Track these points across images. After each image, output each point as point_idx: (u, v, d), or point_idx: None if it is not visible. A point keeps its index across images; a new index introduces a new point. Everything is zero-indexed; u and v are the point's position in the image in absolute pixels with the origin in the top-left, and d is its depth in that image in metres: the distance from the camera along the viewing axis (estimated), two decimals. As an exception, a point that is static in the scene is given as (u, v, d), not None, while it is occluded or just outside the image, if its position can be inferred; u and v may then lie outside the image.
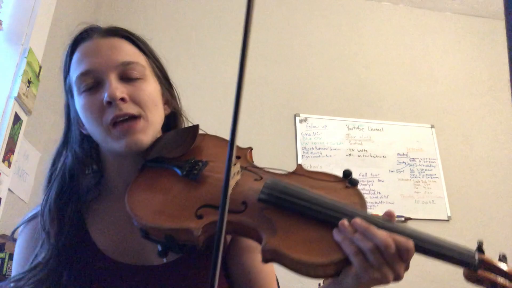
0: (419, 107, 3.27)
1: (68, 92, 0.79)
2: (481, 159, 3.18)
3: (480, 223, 2.96)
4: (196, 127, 0.80)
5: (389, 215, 0.63)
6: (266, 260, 0.59)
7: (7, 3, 1.91)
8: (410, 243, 0.58)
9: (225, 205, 0.46)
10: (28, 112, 1.93)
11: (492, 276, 0.59)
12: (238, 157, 0.77)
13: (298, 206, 0.63)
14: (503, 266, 0.60)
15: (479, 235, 2.89)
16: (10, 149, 1.79)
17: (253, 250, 0.75)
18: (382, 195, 2.92)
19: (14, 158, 1.83)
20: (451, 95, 3.37)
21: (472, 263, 0.59)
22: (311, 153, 2.95)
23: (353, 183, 0.69)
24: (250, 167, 0.74)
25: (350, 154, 3.01)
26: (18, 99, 1.81)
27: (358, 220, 0.59)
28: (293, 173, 0.73)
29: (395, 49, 3.44)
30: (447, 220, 2.92)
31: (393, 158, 3.06)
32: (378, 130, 3.13)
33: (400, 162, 3.06)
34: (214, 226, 0.62)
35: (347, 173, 0.69)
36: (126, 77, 0.74)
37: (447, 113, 3.30)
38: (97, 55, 0.74)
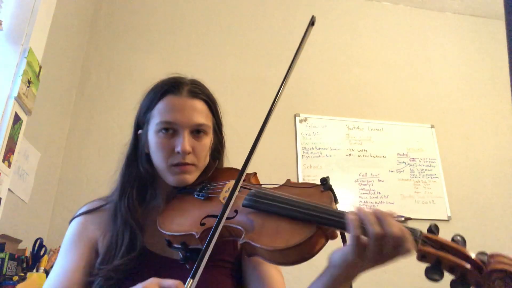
0: (419, 107, 3.27)
1: (146, 121, 1.00)
2: (481, 159, 3.18)
3: (480, 223, 2.96)
4: (214, 165, 1.04)
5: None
6: (247, 254, 0.75)
7: (7, 3, 1.91)
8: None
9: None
10: (28, 112, 1.93)
11: (432, 250, 0.63)
12: (243, 181, 0.92)
13: (271, 207, 0.78)
14: (449, 242, 0.64)
15: (479, 235, 2.90)
16: (10, 149, 1.79)
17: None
18: (382, 195, 2.92)
19: (14, 158, 1.83)
20: (451, 95, 3.37)
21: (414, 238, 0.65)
22: (311, 153, 2.95)
23: (326, 187, 0.81)
24: (249, 185, 0.90)
25: (350, 154, 3.01)
26: (18, 99, 1.81)
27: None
28: (281, 185, 0.89)
29: (395, 49, 3.44)
30: (447, 220, 2.92)
31: (393, 158, 3.06)
32: (378, 130, 3.13)
33: (400, 162, 3.06)
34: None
35: (322, 180, 0.82)
36: (195, 132, 0.97)
37: (447, 113, 3.30)
38: (181, 112, 0.95)
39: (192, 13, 3.17)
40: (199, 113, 0.97)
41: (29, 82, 1.89)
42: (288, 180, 0.90)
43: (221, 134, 1.09)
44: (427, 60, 3.47)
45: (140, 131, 1.02)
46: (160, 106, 0.97)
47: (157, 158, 0.96)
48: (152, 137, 0.97)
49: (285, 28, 3.28)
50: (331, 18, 3.40)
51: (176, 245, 0.83)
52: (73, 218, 1.00)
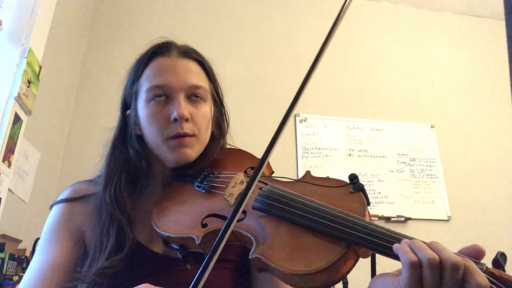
0: (419, 107, 3.27)
1: (133, 95, 0.86)
2: (481, 159, 3.18)
3: (480, 223, 2.97)
4: (218, 144, 0.89)
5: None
6: (258, 269, 0.61)
7: (7, 3, 1.91)
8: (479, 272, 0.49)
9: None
10: (28, 112, 1.93)
11: None
12: (252, 168, 0.80)
13: (290, 214, 0.63)
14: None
15: (479, 235, 2.90)
16: (10, 149, 1.79)
17: None
18: (382, 195, 2.92)
19: (14, 158, 1.83)
20: (451, 95, 3.37)
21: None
22: (311, 153, 2.95)
23: (357, 188, 0.65)
24: (261, 179, 0.75)
25: (350, 154, 3.01)
26: (18, 99, 1.82)
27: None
28: (299, 180, 0.73)
29: (395, 49, 3.44)
30: (447, 220, 2.93)
31: (393, 158, 3.06)
32: (378, 130, 3.13)
33: (400, 162, 3.06)
34: (216, 234, 0.65)
35: (351, 178, 0.67)
36: (191, 97, 0.83)
37: (447, 113, 3.30)
38: (173, 73, 0.82)
39: (192, 13, 3.17)
40: (194, 74, 0.84)
41: (29, 82, 1.89)
42: (308, 173, 0.74)
43: (222, 104, 0.94)
44: (427, 60, 3.47)
45: (128, 111, 0.88)
46: (147, 72, 0.84)
47: (151, 133, 0.81)
48: (143, 110, 0.83)
49: (285, 28, 3.28)
50: (331, 18, 3.39)
51: (173, 245, 0.70)
52: (55, 204, 0.86)
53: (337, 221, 0.59)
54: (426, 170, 3.06)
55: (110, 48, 2.94)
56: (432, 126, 3.21)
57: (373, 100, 3.21)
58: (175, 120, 0.79)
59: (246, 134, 2.79)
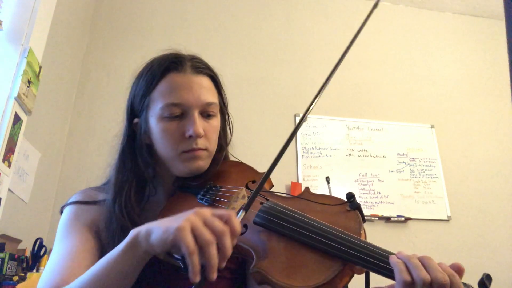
0: (419, 107, 3.27)
1: (144, 107, 0.87)
2: (481, 159, 3.18)
3: (480, 223, 2.97)
4: (222, 154, 0.92)
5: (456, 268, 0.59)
6: (257, 282, 0.63)
7: (7, 3, 1.91)
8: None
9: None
10: (28, 112, 1.93)
11: None
12: (254, 181, 0.84)
13: (290, 231, 0.65)
14: None
15: (479, 235, 2.90)
16: (10, 149, 1.79)
17: None
18: (382, 195, 2.92)
19: (14, 158, 1.83)
20: (451, 95, 3.38)
21: None
22: (311, 153, 2.95)
23: (354, 207, 0.69)
24: (262, 194, 0.78)
25: (350, 154, 3.01)
26: (18, 99, 1.81)
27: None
28: (298, 197, 0.76)
29: (395, 49, 3.44)
30: (447, 220, 2.92)
31: (393, 158, 3.06)
32: (378, 130, 3.13)
33: (400, 162, 3.06)
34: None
35: (348, 196, 0.70)
36: (204, 114, 0.87)
37: (447, 113, 3.30)
38: (189, 91, 0.84)
39: (193, 13, 3.17)
40: (207, 91, 0.87)
41: (29, 82, 1.89)
42: (307, 190, 0.78)
43: (228, 113, 0.98)
44: (427, 60, 3.47)
45: (136, 120, 0.89)
46: (161, 88, 0.85)
47: (164, 147, 0.85)
48: (155, 125, 0.85)
49: (285, 28, 3.28)
50: (331, 18, 3.40)
51: (176, 256, 0.70)
52: (66, 205, 0.88)
53: (335, 239, 0.62)
54: (426, 170, 3.06)
55: (110, 48, 2.94)
56: (432, 126, 3.21)
57: (373, 100, 3.21)
58: (190, 136, 0.83)
59: (245, 134, 2.79)
